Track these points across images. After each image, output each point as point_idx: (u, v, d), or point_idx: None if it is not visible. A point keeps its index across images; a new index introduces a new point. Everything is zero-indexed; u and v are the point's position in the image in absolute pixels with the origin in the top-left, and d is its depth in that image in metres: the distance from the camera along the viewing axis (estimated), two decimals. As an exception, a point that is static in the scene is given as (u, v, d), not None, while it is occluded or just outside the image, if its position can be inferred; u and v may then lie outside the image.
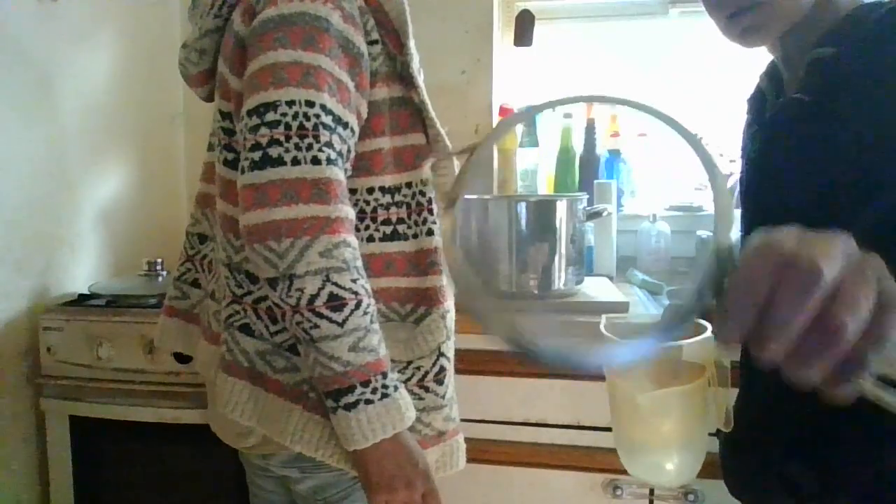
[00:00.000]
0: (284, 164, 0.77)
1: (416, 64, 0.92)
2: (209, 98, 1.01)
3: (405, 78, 0.91)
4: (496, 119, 1.87)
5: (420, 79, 0.93)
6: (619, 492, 1.30)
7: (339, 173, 0.80)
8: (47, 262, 1.57)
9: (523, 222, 1.41)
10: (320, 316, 0.77)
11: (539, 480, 1.34)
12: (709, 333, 0.79)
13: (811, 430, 0.73)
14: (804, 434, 0.74)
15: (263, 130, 0.77)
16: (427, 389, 0.92)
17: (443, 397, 0.93)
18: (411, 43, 0.91)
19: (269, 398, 0.87)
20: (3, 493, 1.47)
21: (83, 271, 1.67)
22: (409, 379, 0.90)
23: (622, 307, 1.35)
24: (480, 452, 1.28)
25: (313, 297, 0.76)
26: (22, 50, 1.48)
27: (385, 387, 0.80)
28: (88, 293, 1.56)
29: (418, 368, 0.91)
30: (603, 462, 1.31)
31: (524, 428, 1.34)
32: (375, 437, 0.80)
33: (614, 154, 1.84)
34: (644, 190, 1.90)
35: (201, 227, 1.04)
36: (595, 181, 1.75)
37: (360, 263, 0.80)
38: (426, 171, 0.94)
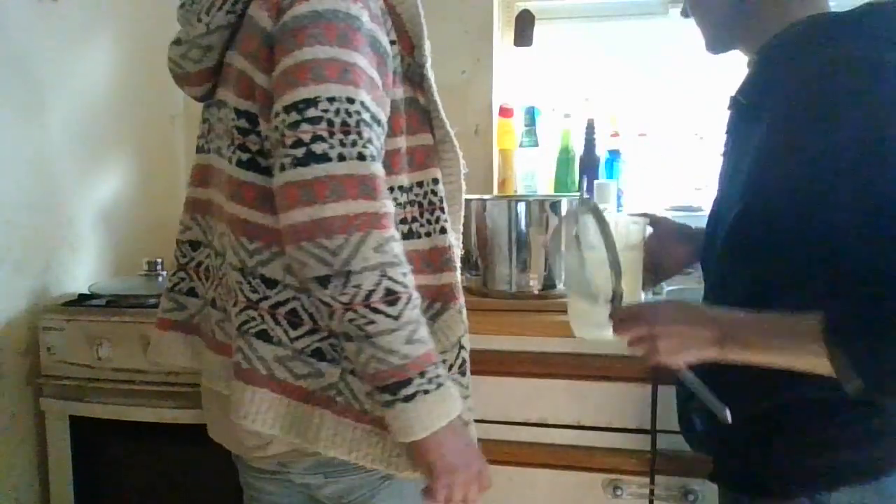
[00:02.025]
0: (330, 160, 0.76)
1: (429, 66, 0.93)
2: (205, 97, 0.99)
3: (412, 79, 0.92)
4: (496, 119, 1.87)
5: (432, 81, 0.94)
6: (619, 492, 1.30)
7: (381, 169, 0.80)
8: (47, 262, 1.57)
9: (523, 222, 1.41)
10: (376, 311, 0.76)
11: (539, 480, 1.34)
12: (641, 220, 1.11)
13: (706, 377, 0.88)
14: (709, 378, 0.88)
15: (305, 126, 0.76)
16: (453, 381, 0.92)
17: (466, 388, 0.95)
18: (426, 45, 0.92)
19: (294, 405, 0.86)
20: (3, 493, 1.47)
21: (83, 271, 1.67)
22: None
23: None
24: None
25: (370, 293, 0.76)
26: (22, 50, 1.48)
27: (439, 376, 0.81)
28: (88, 293, 1.56)
29: (443, 362, 0.91)
30: (603, 462, 1.31)
31: (524, 428, 1.34)
32: (434, 427, 0.80)
33: (614, 154, 1.84)
34: (644, 190, 1.90)
35: (192, 234, 1.01)
36: (595, 181, 1.75)
37: (405, 258, 0.81)
38: (437, 170, 0.94)
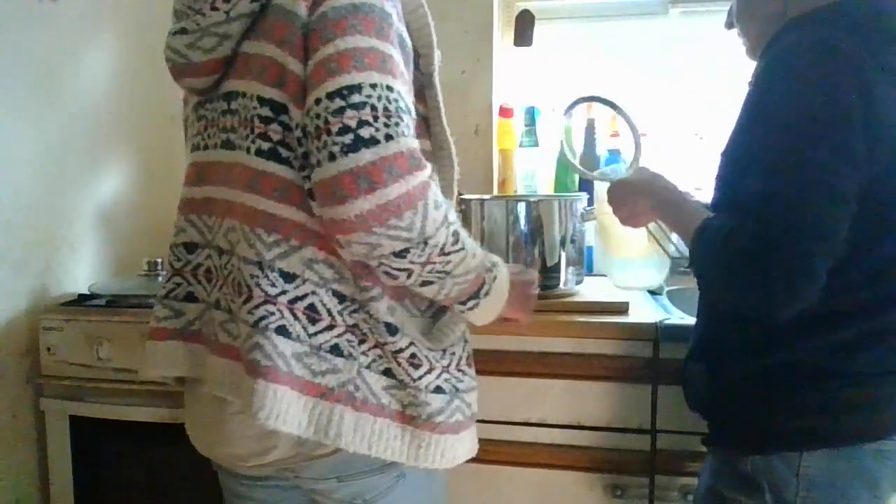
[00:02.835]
0: (378, 142, 0.77)
1: (437, 75, 0.95)
2: (207, 90, 0.96)
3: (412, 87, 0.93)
4: (496, 119, 1.87)
5: (438, 90, 0.95)
6: (619, 492, 1.30)
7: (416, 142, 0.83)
8: (47, 262, 1.57)
9: (523, 222, 1.41)
10: (450, 254, 0.84)
11: (539, 480, 1.34)
12: None
13: (706, 339, 1.05)
14: (703, 341, 1.05)
15: (350, 112, 0.77)
16: (464, 372, 0.95)
17: (474, 378, 0.98)
18: (437, 55, 0.94)
19: (312, 402, 0.86)
20: (3, 493, 1.47)
21: (83, 271, 1.67)
22: (448, 364, 0.93)
23: (622, 307, 1.36)
24: (481, 452, 1.28)
25: (444, 245, 0.83)
26: (22, 50, 1.48)
27: (494, 262, 0.93)
28: (88, 293, 1.56)
29: (454, 354, 0.94)
30: (603, 462, 1.31)
31: (524, 428, 1.34)
32: (504, 299, 0.94)
33: (614, 154, 1.84)
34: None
35: (188, 236, 0.97)
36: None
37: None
38: (434, 175, 0.95)
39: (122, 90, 1.78)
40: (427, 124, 0.95)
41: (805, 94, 0.84)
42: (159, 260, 1.62)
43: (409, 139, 0.80)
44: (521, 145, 1.85)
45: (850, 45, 0.85)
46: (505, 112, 1.85)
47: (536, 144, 1.85)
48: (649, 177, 1.10)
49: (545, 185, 1.85)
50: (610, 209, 1.14)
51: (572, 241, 1.42)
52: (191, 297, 0.97)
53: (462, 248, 0.85)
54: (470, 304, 0.91)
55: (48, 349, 1.48)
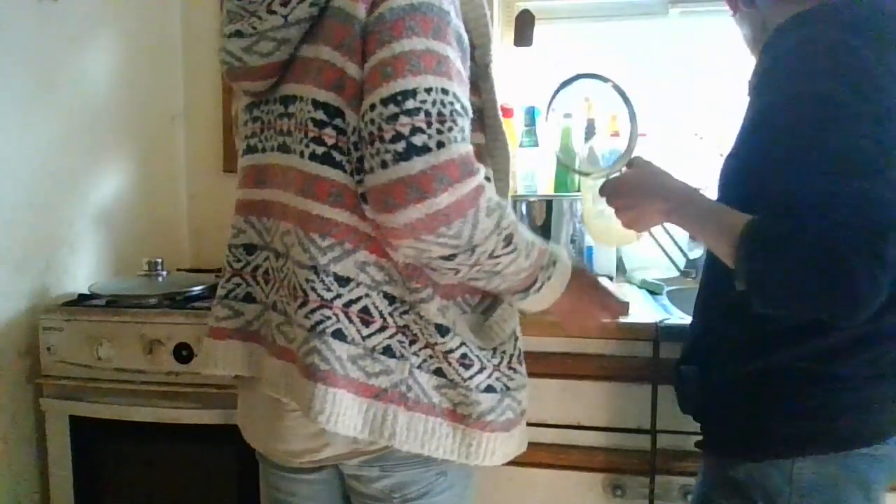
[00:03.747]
0: (430, 150, 0.76)
1: (492, 66, 0.95)
2: (265, 92, 0.94)
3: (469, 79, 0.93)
4: (496, 119, 1.87)
5: (494, 82, 0.95)
6: (619, 492, 1.30)
7: (470, 146, 0.81)
8: (47, 262, 1.57)
9: (523, 222, 1.42)
10: (499, 257, 0.83)
11: (539, 480, 1.34)
12: None
13: (699, 341, 1.03)
14: (696, 343, 1.04)
15: (404, 119, 0.77)
16: (515, 370, 0.95)
17: (524, 375, 0.97)
18: (492, 46, 0.94)
19: (367, 404, 0.87)
20: (3, 493, 1.47)
21: (83, 271, 1.67)
22: (500, 363, 0.93)
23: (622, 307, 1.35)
24: (480, 452, 1.28)
25: (493, 249, 0.82)
26: (22, 50, 1.48)
27: (553, 256, 0.90)
28: (88, 293, 1.56)
29: (504, 352, 0.94)
30: (603, 462, 1.31)
31: (524, 428, 1.34)
32: (556, 298, 0.92)
33: (614, 154, 1.84)
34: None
35: (247, 237, 0.98)
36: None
37: (499, 197, 0.85)
38: (489, 169, 0.94)
39: (122, 90, 1.78)
40: (481, 116, 0.94)
41: (840, 86, 0.82)
42: (159, 260, 1.62)
43: (461, 145, 0.78)
44: (521, 145, 1.85)
45: (856, 46, 0.84)
46: (505, 112, 1.83)
47: (536, 144, 1.85)
48: (659, 173, 0.99)
49: (545, 185, 1.85)
50: (606, 209, 1.05)
51: (572, 241, 1.43)
52: (250, 298, 0.98)
53: (514, 251, 0.84)
54: (518, 297, 0.91)
55: (48, 349, 1.48)
